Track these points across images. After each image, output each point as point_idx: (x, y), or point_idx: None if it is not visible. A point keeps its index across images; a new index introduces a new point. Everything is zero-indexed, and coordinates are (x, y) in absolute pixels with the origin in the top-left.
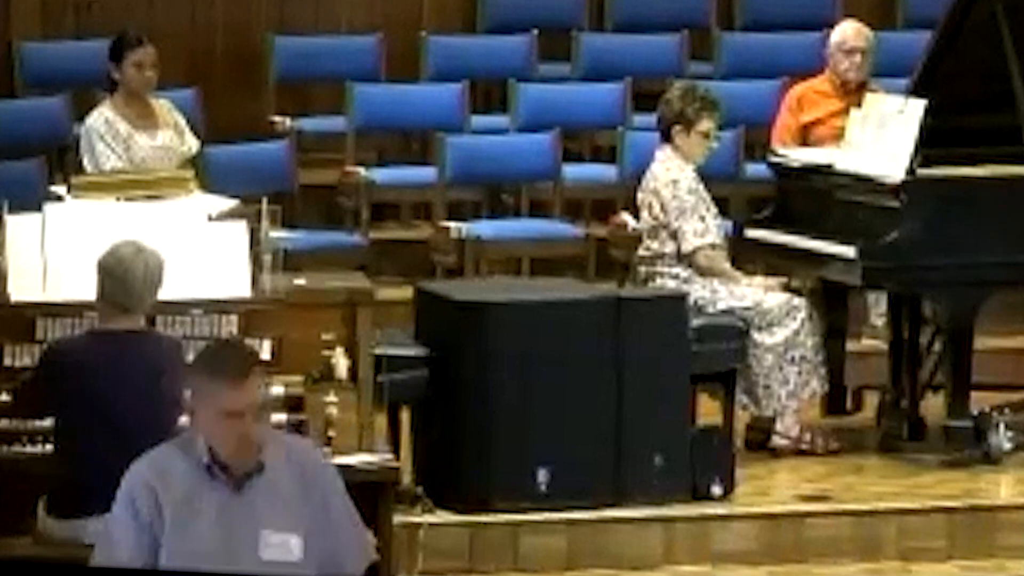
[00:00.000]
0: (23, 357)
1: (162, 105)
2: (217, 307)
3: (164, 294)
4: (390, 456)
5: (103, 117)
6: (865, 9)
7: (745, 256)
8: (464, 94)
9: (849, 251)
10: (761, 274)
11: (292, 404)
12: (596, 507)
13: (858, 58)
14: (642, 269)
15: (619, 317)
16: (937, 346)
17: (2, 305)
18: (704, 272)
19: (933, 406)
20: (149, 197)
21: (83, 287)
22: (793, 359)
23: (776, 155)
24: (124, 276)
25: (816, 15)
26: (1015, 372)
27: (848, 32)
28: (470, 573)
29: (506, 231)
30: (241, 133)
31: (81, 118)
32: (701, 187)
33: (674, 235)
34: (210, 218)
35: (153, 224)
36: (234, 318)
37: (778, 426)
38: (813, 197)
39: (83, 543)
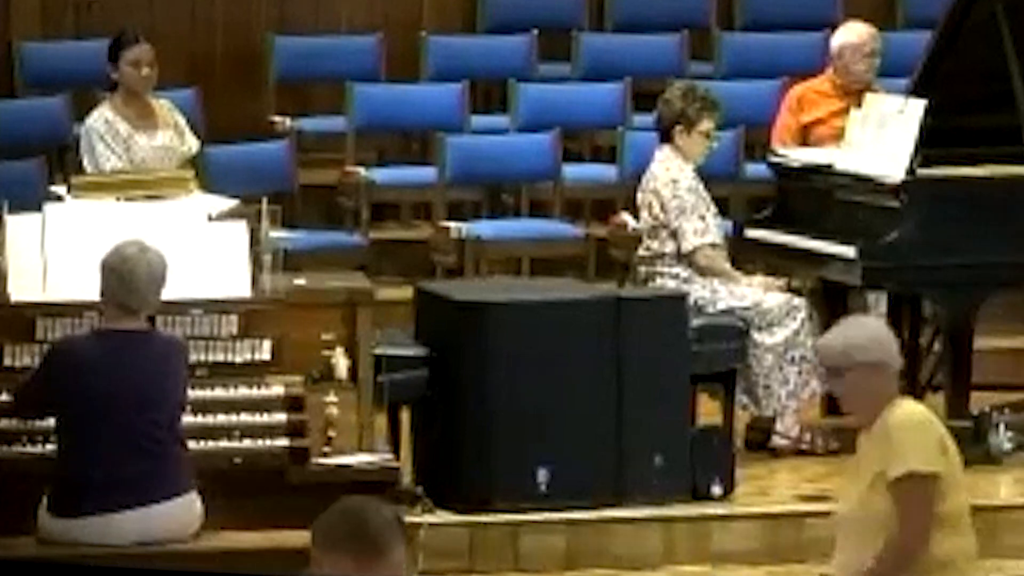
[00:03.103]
0: (23, 357)
1: (162, 105)
2: (217, 307)
3: (165, 294)
4: (390, 456)
5: (103, 117)
6: (865, 9)
7: (745, 256)
8: (464, 94)
9: (849, 251)
10: (761, 274)
11: (292, 404)
12: (596, 507)
13: (876, 60)
14: (642, 269)
15: (619, 317)
16: (937, 346)
17: (2, 305)
18: (704, 272)
19: (933, 406)
20: (149, 197)
21: (83, 287)
22: (793, 359)
23: (776, 155)
24: (128, 276)
25: (816, 15)
26: (1015, 372)
27: (863, 35)
28: (470, 573)
29: (506, 231)
30: (241, 133)
31: (81, 118)
32: (701, 186)
33: (674, 235)
34: (210, 218)
35: (153, 224)
36: (234, 318)
37: (778, 426)
38: (813, 197)
39: (84, 543)
